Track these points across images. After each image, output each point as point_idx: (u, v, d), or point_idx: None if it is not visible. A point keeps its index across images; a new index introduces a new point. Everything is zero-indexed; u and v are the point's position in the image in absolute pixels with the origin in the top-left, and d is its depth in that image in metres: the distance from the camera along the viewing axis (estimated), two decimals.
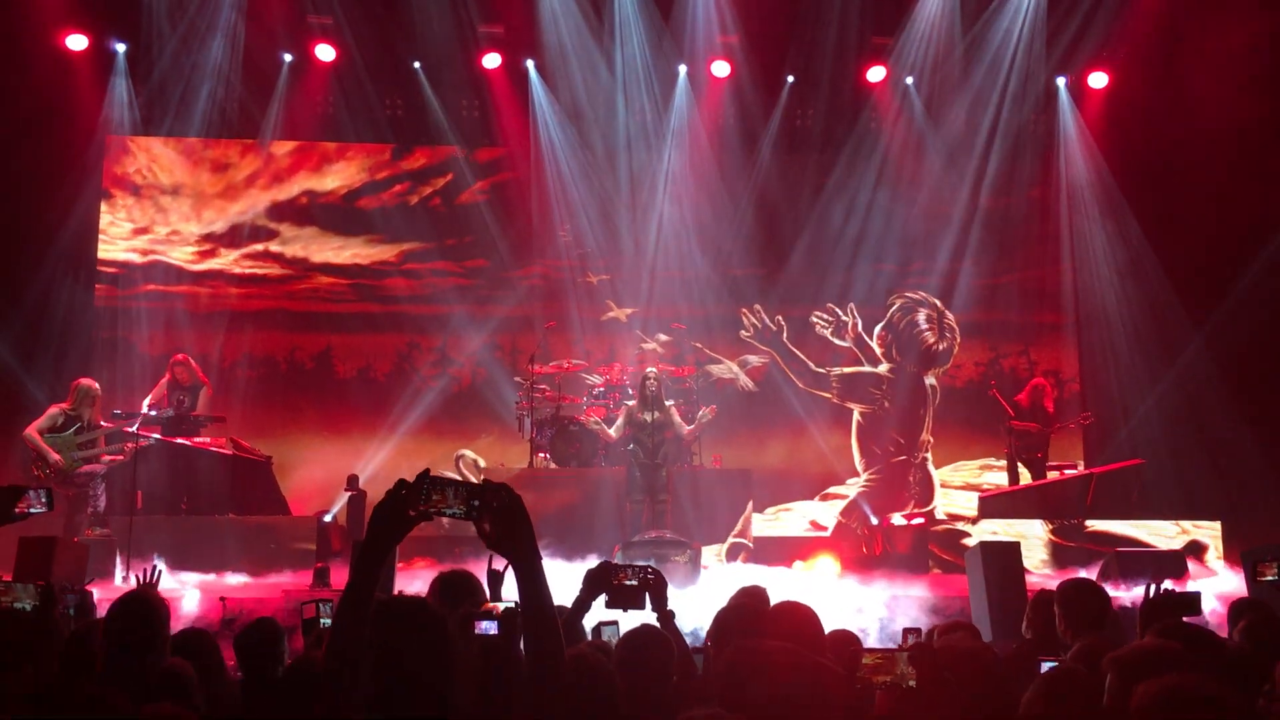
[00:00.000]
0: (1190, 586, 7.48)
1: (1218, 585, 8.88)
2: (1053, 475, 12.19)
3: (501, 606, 3.34)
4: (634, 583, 3.64)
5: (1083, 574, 8.11)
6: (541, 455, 11.75)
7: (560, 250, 13.64)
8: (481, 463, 13.20)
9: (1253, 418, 11.94)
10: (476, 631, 3.29)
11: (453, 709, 2.51)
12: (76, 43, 12.52)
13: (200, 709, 3.43)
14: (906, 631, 4.72)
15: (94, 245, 13.18)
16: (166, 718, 2.89)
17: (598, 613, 4.12)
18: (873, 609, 8.14)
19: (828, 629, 4.15)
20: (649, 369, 10.69)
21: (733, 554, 10.83)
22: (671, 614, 3.75)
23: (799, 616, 3.72)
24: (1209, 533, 10.44)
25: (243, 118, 13.27)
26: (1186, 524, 10.53)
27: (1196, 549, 10.26)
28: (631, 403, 10.54)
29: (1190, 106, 12.25)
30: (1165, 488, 11.85)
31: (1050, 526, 10.57)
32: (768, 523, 12.56)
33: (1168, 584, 4.10)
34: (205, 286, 13.44)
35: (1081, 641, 3.78)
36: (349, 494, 11.27)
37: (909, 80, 13.53)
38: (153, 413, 10.27)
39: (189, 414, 10.65)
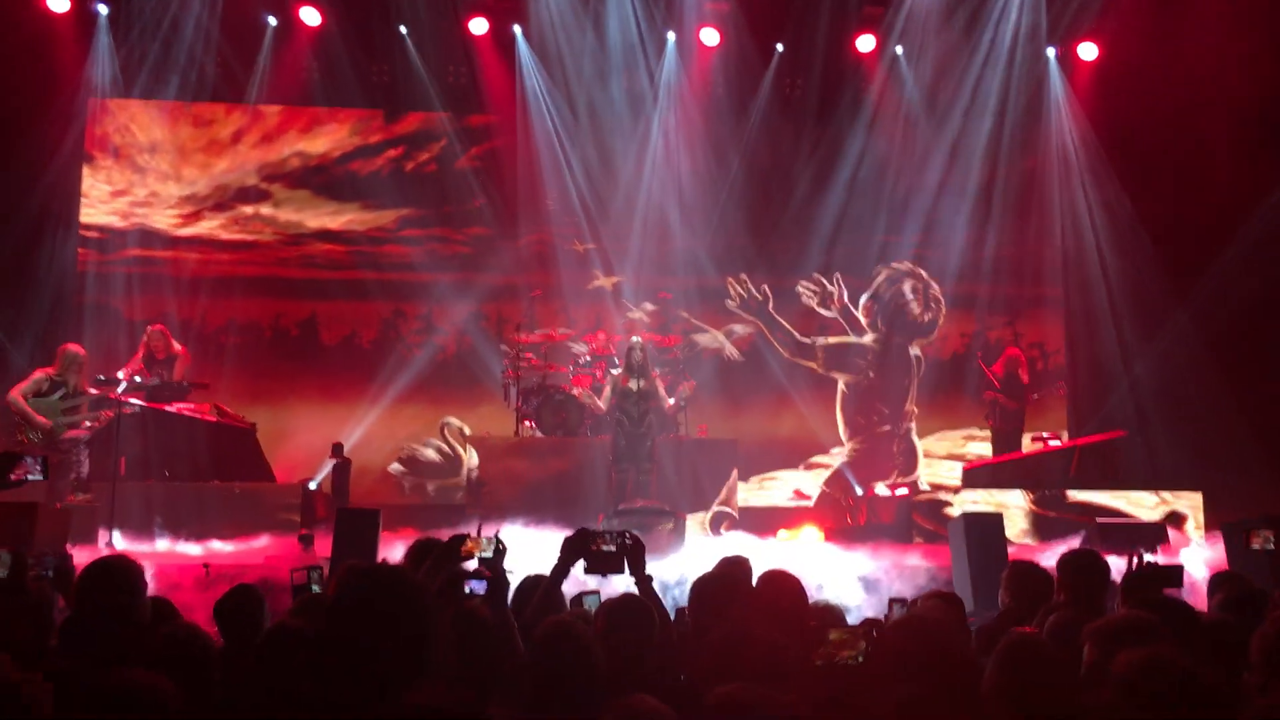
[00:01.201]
0: (1173, 558, 7.53)
1: (1196, 555, 8.94)
2: (1037, 446, 12.24)
3: (485, 541, 3.34)
4: (612, 548, 3.64)
5: (1067, 544, 8.19)
6: (527, 424, 11.75)
7: (547, 218, 13.57)
8: (466, 430, 13.20)
9: (1235, 389, 12.00)
10: (466, 590, 3.30)
11: (430, 674, 2.51)
12: (58, 4, 12.35)
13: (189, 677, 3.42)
14: (892, 602, 4.74)
15: (76, 209, 13.06)
16: (141, 683, 2.87)
17: (579, 580, 4.13)
18: (856, 579, 8.18)
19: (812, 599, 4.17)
20: (634, 338, 10.68)
21: (716, 523, 10.87)
22: (649, 579, 3.75)
23: (785, 586, 3.73)
24: (1188, 503, 10.51)
25: (226, 82, 13.14)
26: (1167, 494, 10.60)
27: (1176, 519, 10.33)
28: (617, 371, 10.53)
29: (1179, 79, 12.23)
30: (1148, 458, 11.94)
31: (1031, 496, 10.62)
32: (752, 492, 12.60)
33: (1150, 556, 4.11)
34: (189, 251, 13.34)
35: (1060, 614, 3.79)
36: (334, 461, 11.25)
37: (899, 50, 13.46)
38: (137, 379, 10.21)
39: (170, 379, 10.58)
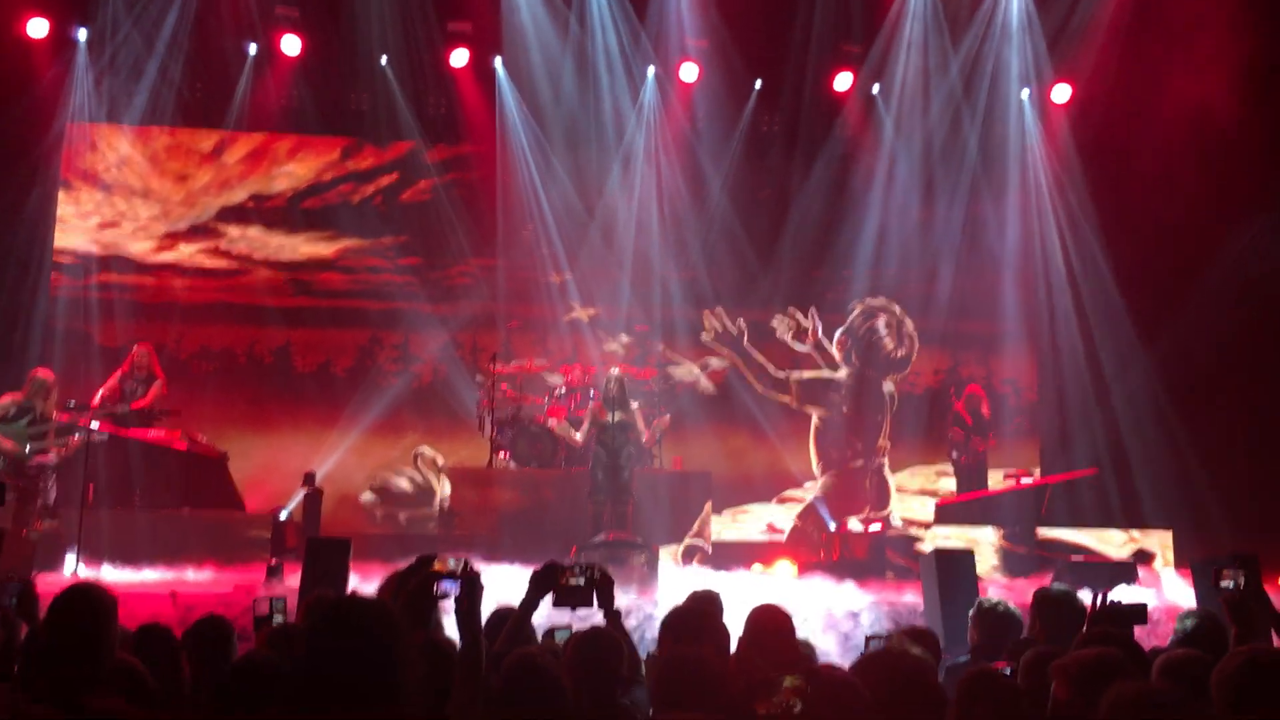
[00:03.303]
0: (1138, 596, 7.57)
1: (1165, 593, 9.00)
2: (1009, 483, 12.31)
3: (455, 563, 3.30)
4: (580, 582, 3.63)
5: (1038, 581, 8.22)
6: (501, 454, 11.72)
7: (524, 249, 13.61)
8: (440, 460, 13.14)
9: (1204, 428, 12.13)
10: (437, 592, 3.26)
11: (398, 704, 2.50)
12: (37, 29, 12.33)
13: (154, 705, 3.39)
14: (868, 639, 4.74)
15: (50, 234, 12.97)
16: (114, 713, 2.85)
17: (550, 615, 4.12)
18: (829, 614, 8.17)
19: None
20: (612, 369, 10.70)
21: (688, 555, 10.86)
22: (619, 613, 3.75)
23: (774, 623, 3.73)
24: (1158, 541, 10.59)
25: (205, 109, 13.15)
26: (1136, 533, 10.68)
27: (1144, 556, 10.41)
28: (595, 404, 10.54)
29: (1151, 119, 12.44)
30: (1118, 496, 12.03)
31: (1001, 532, 10.68)
32: (725, 525, 12.60)
33: (1113, 595, 4.14)
34: (163, 278, 13.27)
35: (1034, 650, 3.81)
36: (305, 491, 11.16)
37: (875, 88, 13.62)
38: (105, 409, 10.14)
39: (140, 406, 10.52)
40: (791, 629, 3.73)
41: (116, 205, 13.34)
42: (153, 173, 13.42)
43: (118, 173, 13.37)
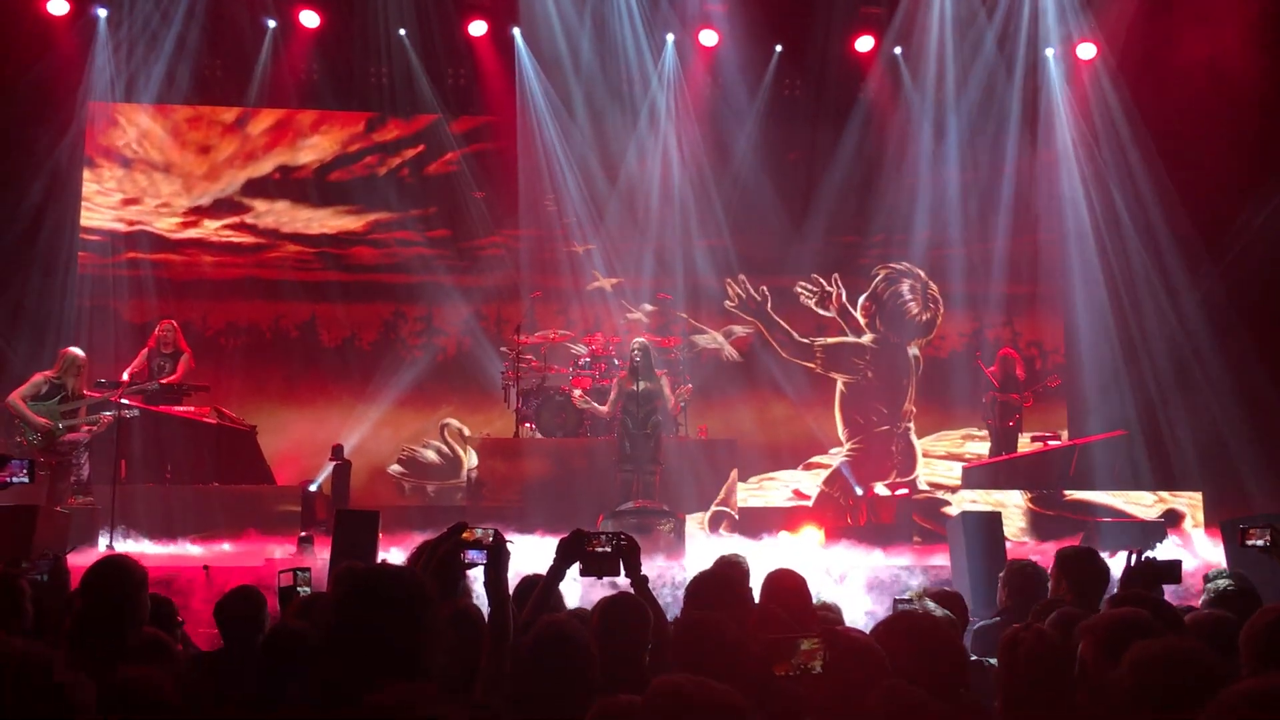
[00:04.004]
0: (1170, 555, 7.53)
1: (1195, 553, 8.95)
2: (1036, 445, 12.26)
3: (483, 533, 3.34)
4: (608, 549, 3.64)
5: (1066, 543, 8.18)
6: (527, 425, 11.76)
7: (546, 219, 13.59)
8: (466, 432, 13.21)
9: (1236, 390, 12.01)
10: (464, 561, 3.30)
11: (426, 674, 2.52)
12: (58, 6, 12.36)
13: (179, 675, 3.44)
14: (896, 602, 4.74)
15: (76, 213, 13.06)
16: (144, 681, 2.89)
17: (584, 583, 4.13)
18: (858, 579, 8.16)
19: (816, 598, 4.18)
20: (636, 339, 10.69)
21: (715, 523, 10.88)
22: (645, 579, 3.76)
23: (789, 585, 3.74)
24: (1187, 502, 10.53)
25: (226, 85, 13.20)
26: (1165, 494, 10.61)
27: (1173, 517, 10.35)
28: (623, 374, 10.54)
29: (1177, 76, 12.27)
30: (1146, 459, 11.95)
31: (1029, 495, 10.64)
32: (751, 492, 12.61)
33: (1149, 552, 4.12)
34: (189, 255, 13.36)
35: (1062, 610, 3.80)
36: (334, 464, 11.27)
37: (897, 50, 13.48)
38: (136, 385, 10.24)
39: (169, 382, 10.61)
40: (807, 591, 3.74)
41: (138, 181, 13.40)
42: (174, 146, 13.48)
43: (139, 148, 13.43)
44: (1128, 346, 12.88)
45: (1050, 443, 12.36)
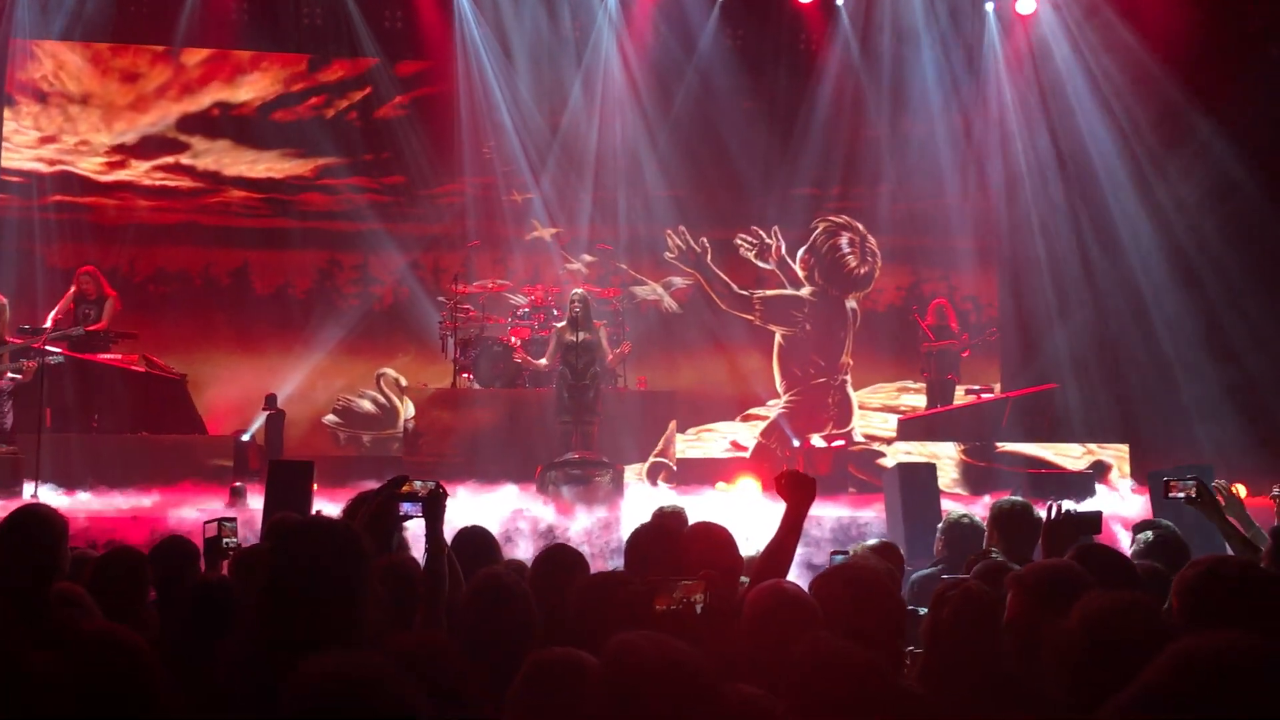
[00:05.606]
0: (1094, 505, 7.70)
1: (1122, 505, 9.17)
2: (970, 398, 12.44)
3: (421, 485, 3.31)
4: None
5: (998, 495, 8.33)
6: (465, 375, 11.67)
7: (485, 167, 13.41)
8: (403, 382, 13.08)
9: (1161, 344, 12.27)
10: (399, 513, 3.28)
11: (360, 630, 2.49)
12: None
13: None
14: (833, 554, 4.79)
15: None
16: (115, 637, 2.80)
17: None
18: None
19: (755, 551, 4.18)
20: (575, 290, 10.62)
21: (653, 474, 10.92)
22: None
23: (715, 538, 3.73)
24: (1114, 454, 10.77)
25: (153, 24, 12.77)
26: (1093, 445, 10.84)
27: (1101, 469, 10.59)
28: (561, 325, 10.48)
29: (1114, 31, 12.40)
30: (1079, 411, 12.19)
31: (962, 447, 10.81)
32: (689, 443, 12.67)
33: (1068, 504, 4.18)
34: (115, 198, 12.98)
35: (989, 562, 3.86)
36: (267, 413, 11.10)
37: (840, 2, 13.44)
38: (59, 331, 9.97)
39: (96, 329, 10.35)
40: (733, 543, 3.73)
41: (63, 123, 12.96)
42: (94, 76, 13.03)
43: (64, 90, 12.98)
44: (1061, 300, 13.08)
45: (983, 395, 12.55)
